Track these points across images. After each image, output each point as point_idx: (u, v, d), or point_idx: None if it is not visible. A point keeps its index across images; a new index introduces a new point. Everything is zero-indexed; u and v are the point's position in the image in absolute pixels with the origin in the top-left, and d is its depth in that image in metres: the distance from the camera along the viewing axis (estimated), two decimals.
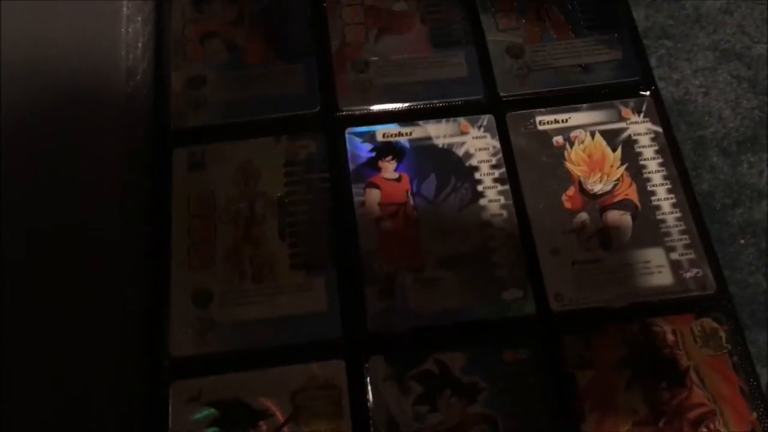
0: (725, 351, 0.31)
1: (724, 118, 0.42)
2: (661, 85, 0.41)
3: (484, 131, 0.37)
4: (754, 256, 0.40)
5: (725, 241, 0.40)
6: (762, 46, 0.44)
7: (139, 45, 0.38)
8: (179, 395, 0.30)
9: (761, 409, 0.30)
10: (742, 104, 0.42)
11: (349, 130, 0.37)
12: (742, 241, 0.40)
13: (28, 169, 0.33)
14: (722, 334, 0.32)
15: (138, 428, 0.31)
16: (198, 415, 0.30)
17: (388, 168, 0.36)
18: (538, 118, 0.37)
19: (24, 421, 0.30)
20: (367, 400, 0.30)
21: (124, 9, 0.38)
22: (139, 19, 0.39)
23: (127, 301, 0.32)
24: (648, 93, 0.38)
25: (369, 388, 0.31)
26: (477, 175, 0.36)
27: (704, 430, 0.30)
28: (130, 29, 0.37)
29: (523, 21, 0.40)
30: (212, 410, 0.30)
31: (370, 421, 0.30)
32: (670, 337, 0.32)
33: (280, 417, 0.30)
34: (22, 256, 0.31)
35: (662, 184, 0.35)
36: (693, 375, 0.31)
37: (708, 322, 0.32)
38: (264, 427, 0.30)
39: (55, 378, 0.30)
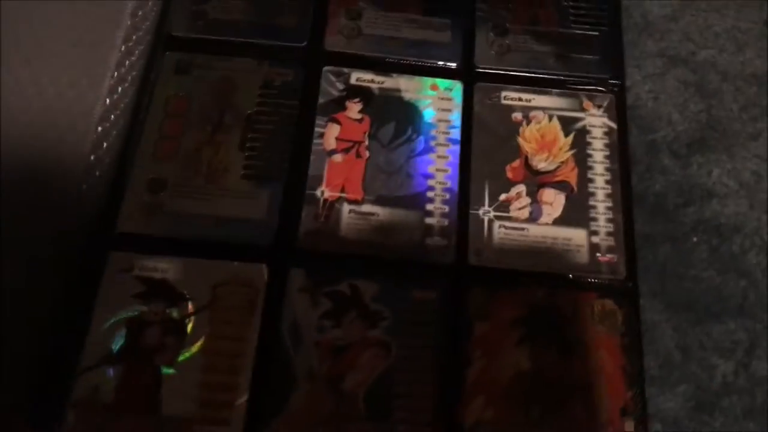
0: (618, 332, 0.33)
1: (673, 121, 0.43)
2: None
3: (451, 94, 0.39)
4: (706, 252, 0.41)
5: (679, 239, 0.41)
6: (706, 52, 0.45)
7: None
8: (115, 265, 0.33)
9: (637, 390, 0.32)
10: (690, 108, 0.44)
11: (327, 68, 0.39)
12: (695, 239, 0.41)
13: None
14: (619, 316, 0.33)
15: (75, 292, 0.33)
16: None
17: (354, 108, 0.38)
18: (504, 93, 0.39)
19: None
20: (281, 304, 0.33)
21: None
22: None
23: (87, 177, 0.35)
24: (613, 93, 0.40)
25: (284, 294, 0.33)
26: (433, 132, 0.38)
27: (578, 397, 0.32)
28: None
29: (515, 3, 0.42)
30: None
31: (278, 323, 0.32)
32: (569, 309, 0.33)
33: (198, 303, 0.33)
34: None
35: (602, 175, 0.37)
36: (581, 347, 0.33)
37: (609, 303, 0.34)
38: (182, 309, 0.32)
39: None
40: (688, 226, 0.41)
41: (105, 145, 0.37)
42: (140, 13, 0.41)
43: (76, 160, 0.35)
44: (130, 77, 0.39)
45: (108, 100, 0.37)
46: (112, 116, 0.38)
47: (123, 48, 0.39)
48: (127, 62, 0.39)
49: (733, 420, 0.37)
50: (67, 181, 0.35)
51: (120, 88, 0.38)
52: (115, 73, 0.38)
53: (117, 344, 0.31)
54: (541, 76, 0.40)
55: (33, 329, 0.32)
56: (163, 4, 0.41)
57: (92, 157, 0.36)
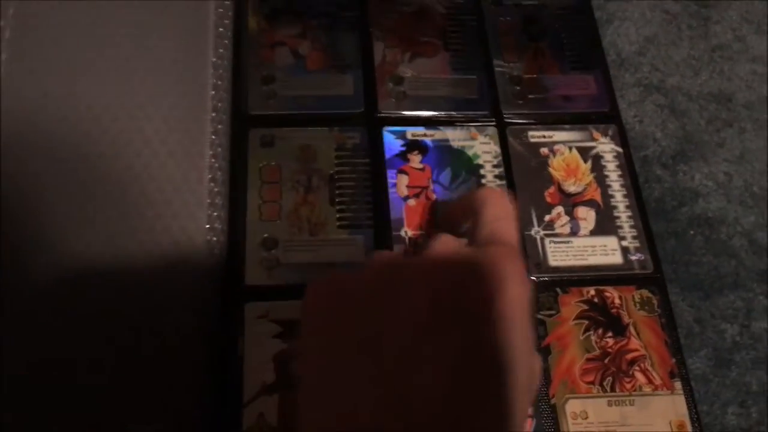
0: (656, 314, 0.41)
1: (657, 139, 0.53)
2: None
3: (489, 139, 0.47)
4: (702, 241, 0.50)
5: (679, 234, 0.50)
6: (672, 78, 0.55)
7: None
8: (251, 313, 0.39)
9: (678, 357, 0.40)
10: (668, 126, 0.53)
11: (385, 128, 0.46)
12: (692, 232, 0.50)
13: None
14: (655, 301, 0.42)
15: (217, 339, 0.39)
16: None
17: (415, 160, 0.45)
18: (530, 133, 0.47)
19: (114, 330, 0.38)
20: None
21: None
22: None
23: (211, 246, 0.41)
24: (614, 123, 0.48)
25: None
26: (482, 171, 0.45)
27: (637, 367, 0.40)
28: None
29: (523, 57, 0.50)
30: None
31: None
32: (617, 301, 0.41)
33: None
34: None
35: (619, 191, 0.45)
36: (632, 329, 0.41)
37: (645, 293, 0.42)
38: None
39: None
40: (685, 223, 0.50)
41: (215, 214, 0.43)
42: (217, 94, 0.47)
43: (197, 234, 0.41)
44: (221, 154, 0.45)
45: (210, 176, 0.43)
46: (216, 189, 0.43)
47: (212, 128, 0.45)
48: (217, 141, 0.45)
49: (745, 369, 0.45)
50: (194, 243, 0.41)
51: (217, 164, 0.44)
52: (210, 152, 0.44)
53: (269, 379, 0.37)
54: (555, 114, 0.48)
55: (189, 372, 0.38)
56: (233, 86, 0.47)
57: (207, 226, 0.42)
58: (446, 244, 0.27)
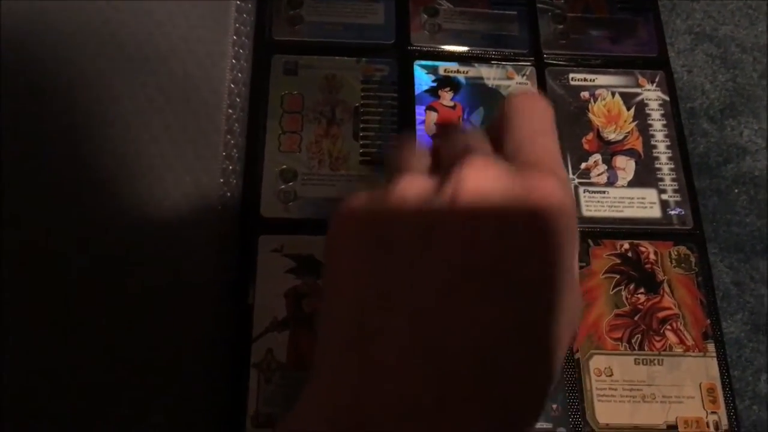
0: (693, 272, 0.37)
1: (706, 91, 0.47)
2: None
3: (526, 79, 0.42)
4: (746, 201, 0.45)
5: (723, 192, 0.45)
6: (725, 27, 0.49)
7: None
8: (266, 246, 0.36)
9: (714, 318, 0.36)
10: (718, 78, 0.48)
11: (417, 62, 0.42)
12: (736, 190, 0.46)
13: None
14: (693, 259, 0.38)
15: (234, 271, 0.36)
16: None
17: (446, 97, 0.41)
18: (571, 75, 0.42)
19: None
20: None
21: None
22: None
23: (227, 175, 0.38)
24: (662, 69, 0.43)
25: None
26: None
27: (668, 327, 0.36)
28: None
29: None
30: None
31: None
32: (652, 257, 0.37)
33: None
34: None
35: (662, 141, 0.41)
36: (666, 286, 0.37)
37: (683, 249, 0.38)
38: None
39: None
40: (730, 180, 0.46)
41: (232, 141, 0.39)
42: (239, 17, 0.43)
43: (213, 163, 0.38)
44: (241, 80, 0.41)
45: (228, 102, 0.40)
46: (234, 116, 0.40)
47: (233, 52, 0.41)
48: (237, 66, 0.41)
49: None
50: (210, 175, 0.37)
51: (236, 90, 0.40)
52: (230, 77, 0.41)
53: (281, 314, 0.34)
54: (600, 57, 0.43)
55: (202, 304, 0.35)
56: (257, 11, 0.43)
57: (224, 153, 0.39)
58: (482, 170, 0.22)
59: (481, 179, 0.21)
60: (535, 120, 0.23)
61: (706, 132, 0.47)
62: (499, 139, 0.23)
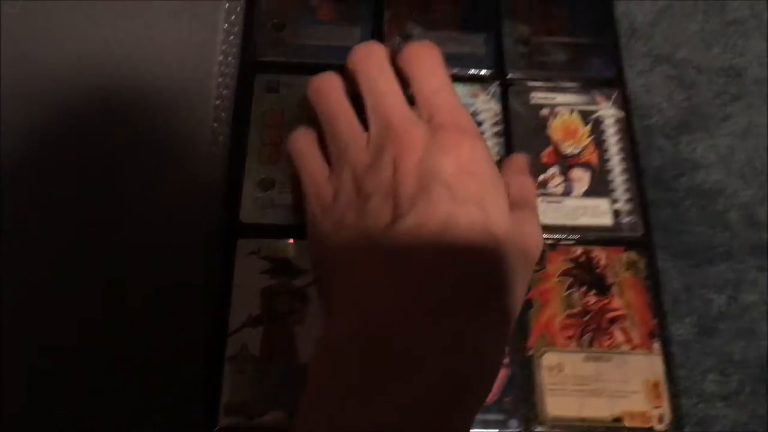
0: (642, 276, 0.40)
1: (662, 109, 0.50)
2: None
3: (491, 97, 0.45)
4: (697, 212, 0.47)
5: (676, 203, 0.48)
6: (684, 50, 0.52)
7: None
8: (244, 249, 0.39)
9: (660, 318, 0.39)
10: (675, 97, 0.51)
11: None
12: (688, 202, 0.48)
13: None
14: (641, 265, 0.40)
15: (212, 272, 0.39)
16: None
17: None
18: (533, 94, 0.45)
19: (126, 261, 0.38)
20: None
21: None
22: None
23: (212, 183, 0.41)
24: (618, 88, 0.46)
25: None
26: (481, 129, 0.44)
27: (617, 326, 0.38)
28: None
29: (534, 18, 0.48)
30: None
31: None
32: (603, 261, 0.40)
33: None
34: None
35: (617, 155, 0.44)
36: (615, 289, 0.39)
37: (633, 255, 0.40)
38: (303, 280, 0.38)
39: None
40: (683, 192, 0.48)
41: (217, 152, 0.42)
42: (227, 40, 0.46)
43: (197, 171, 0.41)
44: (226, 96, 0.44)
45: (214, 116, 0.43)
46: (219, 130, 0.43)
47: (219, 72, 0.44)
48: (224, 84, 0.44)
49: (728, 339, 0.44)
50: (196, 182, 0.40)
51: (222, 106, 0.43)
52: (216, 93, 0.44)
53: (255, 312, 0.37)
54: (560, 77, 0.46)
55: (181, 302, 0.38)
56: (243, 34, 0.46)
57: (209, 163, 0.41)
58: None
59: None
60: (432, 77, 0.29)
61: (662, 147, 0.50)
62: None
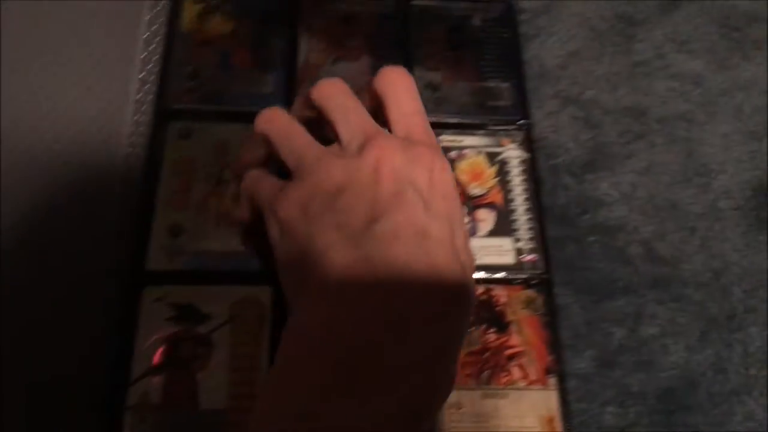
0: (539, 313, 0.41)
1: (569, 149, 0.52)
2: None
3: None
4: (600, 248, 0.49)
5: (579, 240, 0.50)
6: (590, 92, 0.55)
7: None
8: (150, 296, 0.39)
9: (555, 356, 0.40)
10: (581, 137, 0.53)
11: None
12: (591, 239, 0.50)
13: None
14: (540, 301, 0.42)
15: (117, 320, 0.39)
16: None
17: None
18: (442, 137, 0.47)
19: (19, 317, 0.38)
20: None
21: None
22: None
23: (121, 230, 0.41)
24: (524, 130, 0.48)
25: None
26: None
27: (515, 363, 0.40)
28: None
29: (443, 65, 0.50)
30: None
31: None
32: (503, 300, 0.41)
33: (219, 320, 0.39)
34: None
35: (520, 195, 0.45)
36: (514, 326, 0.41)
37: (532, 293, 0.42)
38: (207, 326, 0.39)
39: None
40: (586, 229, 0.50)
41: (127, 197, 0.42)
42: (142, 88, 0.47)
43: (107, 216, 0.41)
44: (139, 143, 0.45)
45: (126, 165, 0.43)
46: (130, 176, 0.43)
47: (134, 120, 0.45)
48: (137, 131, 0.45)
49: (628, 371, 0.46)
50: (102, 226, 0.40)
51: (134, 153, 0.44)
52: (128, 141, 0.44)
53: (158, 358, 0.37)
54: (469, 121, 0.48)
55: (83, 349, 0.38)
56: (159, 82, 0.47)
57: (119, 209, 0.42)
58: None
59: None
60: (406, 102, 0.29)
61: (567, 186, 0.52)
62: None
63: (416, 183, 0.26)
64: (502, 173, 0.46)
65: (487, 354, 0.39)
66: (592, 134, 0.54)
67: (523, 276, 0.42)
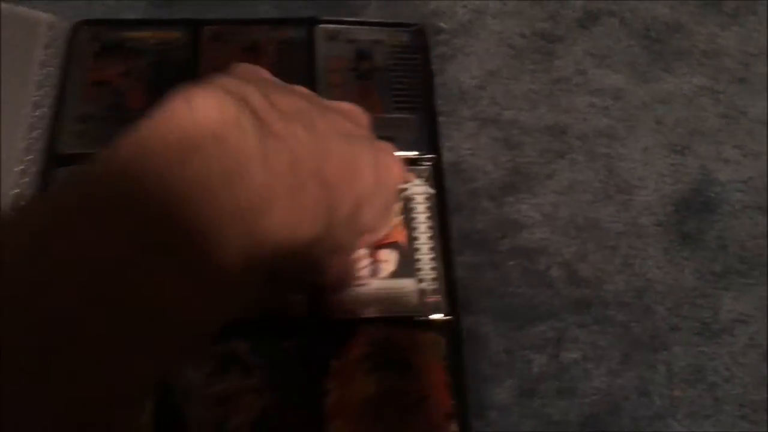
0: (442, 357, 0.39)
1: (488, 171, 0.50)
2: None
3: None
4: (520, 272, 0.47)
5: (498, 265, 0.48)
6: (510, 112, 0.53)
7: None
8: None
9: (459, 399, 0.38)
10: (500, 159, 0.51)
11: None
12: (511, 263, 0.48)
13: None
14: (442, 345, 0.40)
15: None
16: None
17: None
18: None
19: None
20: None
21: None
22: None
23: None
24: (430, 164, 0.46)
25: None
26: None
27: (417, 409, 0.38)
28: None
29: (349, 95, 0.48)
30: None
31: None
32: (406, 343, 0.39)
33: None
34: None
35: (425, 233, 0.43)
36: (416, 370, 0.39)
37: (435, 335, 0.40)
38: None
39: None
40: (506, 254, 0.48)
41: None
42: (32, 134, 0.44)
43: None
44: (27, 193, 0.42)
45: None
46: None
47: (21, 168, 0.42)
48: (25, 181, 0.43)
49: (548, 399, 0.44)
50: None
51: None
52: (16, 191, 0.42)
53: None
54: None
55: None
56: (50, 126, 0.45)
57: None
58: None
59: None
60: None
61: (486, 210, 0.49)
62: None
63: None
64: (407, 211, 0.44)
65: (388, 399, 0.37)
66: (511, 155, 0.52)
67: (426, 318, 0.40)
